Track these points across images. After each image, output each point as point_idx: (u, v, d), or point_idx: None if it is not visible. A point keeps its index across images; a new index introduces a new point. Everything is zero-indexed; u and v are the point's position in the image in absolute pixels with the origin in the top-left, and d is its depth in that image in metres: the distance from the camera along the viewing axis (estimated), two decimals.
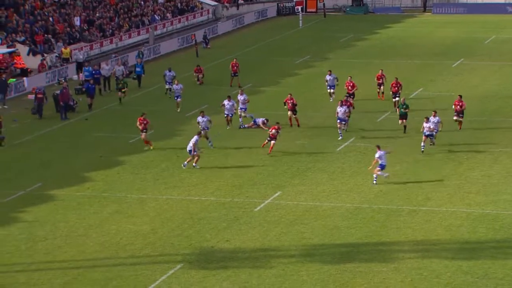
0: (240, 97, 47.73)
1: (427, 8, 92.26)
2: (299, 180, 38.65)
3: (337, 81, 52.56)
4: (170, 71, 55.52)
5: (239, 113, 47.32)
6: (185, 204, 35.94)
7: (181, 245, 31.46)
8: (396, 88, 50.13)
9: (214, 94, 54.12)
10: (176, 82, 52.05)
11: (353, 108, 47.03)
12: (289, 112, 46.87)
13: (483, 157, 41.55)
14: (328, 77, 52.82)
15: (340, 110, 44.48)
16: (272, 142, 41.78)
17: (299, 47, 73.32)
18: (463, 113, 45.80)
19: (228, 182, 38.51)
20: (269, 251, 30.93)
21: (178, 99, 51.14)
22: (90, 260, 30.28)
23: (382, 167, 37.47)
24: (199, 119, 43.93)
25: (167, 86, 55.01)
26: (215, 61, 67.27)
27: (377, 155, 37.46)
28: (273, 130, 41.87)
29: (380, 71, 53.05)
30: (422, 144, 41.85)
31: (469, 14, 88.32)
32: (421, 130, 42.22)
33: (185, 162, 40.20)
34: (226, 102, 46.91)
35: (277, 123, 42.85)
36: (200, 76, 59.16)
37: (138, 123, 43.41)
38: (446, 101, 50.17)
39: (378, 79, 52.87)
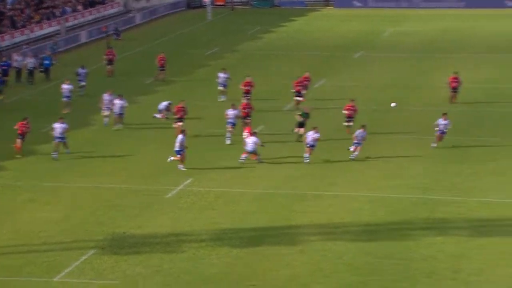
0: (117, 101, 44.91)
1: (329, 2, 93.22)
2: (210, 167, 38.69)
3: (230, 79, 49.96)
4: (83, 68, 53.50)
5: (104, 113, 45.06)
6: (98, 191, 35.63)
7: (94, 232, 31.20)
8: (299, 88, 47.64)
9: (124, 86, 53.68)
10: (67, 82, 48.86)
11: (253, 109, 43.60)
12: (178, 123, 42.54)
13: (383, 144, 42.27)
14: (221, 75, 50.25)
15: (231, 113, 42.14)
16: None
17: (208, 40, 73.28)
18: (353, 119, 42.67)
19: (140, 170, 38.32)
20: (181, 236, 30.95)
21: (66, 99, 47.92)
22: (3, 247, 29.78)
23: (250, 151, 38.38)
24: (56, 125, 39.87)
25: (81, 83, 52.74)
26: (126, 52, 66.71)
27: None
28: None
29: (307, 73, 49.69)
30: (306, 155, 38.91)
31: (368, 8, 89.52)
32: (304, 140, 39.58)
33: (171, 158, 38.38)
34: (117, 101, 44.98)
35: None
36: (110, 67, 58.19)
37: (18, 127, 40.13)
38: (349, 92, 50.81)
39: (304, 80, 48.93)
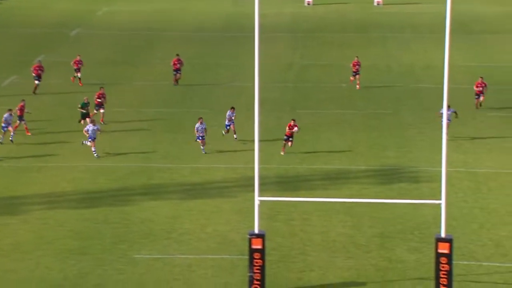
0: None
1: None
2: None
3: None
4: None
5: None
6: None
7: None
8: (39, 72, 46.78)
9: None
10: None
11: None
12: None
13: (104, 117, 42.56)
14: None
15: None
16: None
17: None
18: (103, 106, 41.25)
19: None
20: None
21: None
22: None
23: None
24: None
25: None
26: None
27: None
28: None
29: (78, 56, 49.08)
30: (94, 152, 36.44)
31: None
32: (85, 133, 37.10)
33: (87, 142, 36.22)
34: None
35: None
36: None
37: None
38: (69, 68, 50.36)
39: (76, 64, 48.59)
